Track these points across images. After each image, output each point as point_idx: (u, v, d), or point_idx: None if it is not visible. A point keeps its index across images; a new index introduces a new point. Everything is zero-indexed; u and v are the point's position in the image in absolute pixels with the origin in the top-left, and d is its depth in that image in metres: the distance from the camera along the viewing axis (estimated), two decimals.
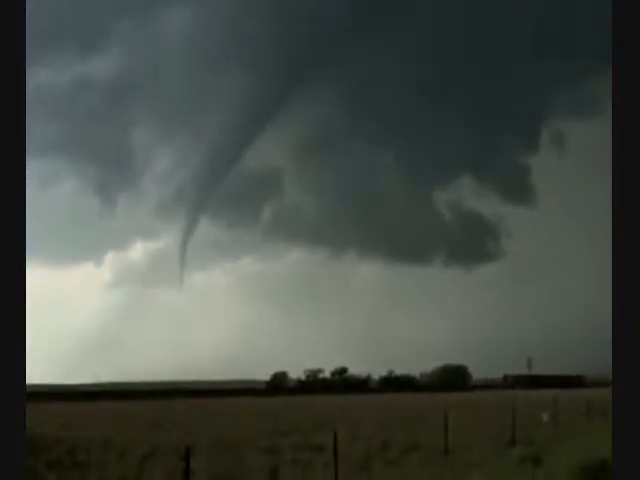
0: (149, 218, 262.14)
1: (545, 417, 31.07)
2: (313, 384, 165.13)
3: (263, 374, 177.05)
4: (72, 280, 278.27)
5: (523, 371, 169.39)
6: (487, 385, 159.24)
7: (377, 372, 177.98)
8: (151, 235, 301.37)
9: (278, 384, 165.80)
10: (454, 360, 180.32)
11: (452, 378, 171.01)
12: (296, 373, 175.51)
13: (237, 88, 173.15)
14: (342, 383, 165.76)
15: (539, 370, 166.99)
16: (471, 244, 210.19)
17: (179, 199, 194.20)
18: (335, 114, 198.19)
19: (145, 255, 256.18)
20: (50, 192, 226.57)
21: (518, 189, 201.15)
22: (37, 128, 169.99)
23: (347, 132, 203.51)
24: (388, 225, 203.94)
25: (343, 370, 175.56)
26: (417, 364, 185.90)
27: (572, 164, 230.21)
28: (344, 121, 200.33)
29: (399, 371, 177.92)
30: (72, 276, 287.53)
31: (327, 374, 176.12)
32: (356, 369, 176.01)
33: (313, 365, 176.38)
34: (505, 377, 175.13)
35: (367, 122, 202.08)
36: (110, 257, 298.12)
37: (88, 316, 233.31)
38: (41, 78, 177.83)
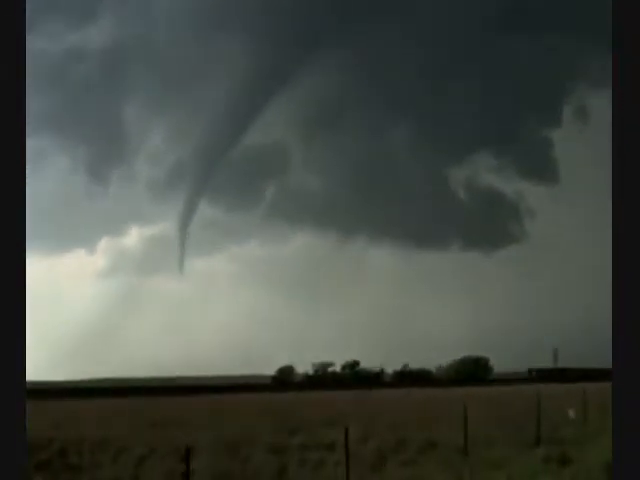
0: (144, 200, 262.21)
1: (572, 413, 31.04)
2: (322, 378, 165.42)
3: (269, 368, 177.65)
4: (63, 269, 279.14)
5: (549, 364, 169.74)
6: (510, 379, 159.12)
7: (391, 365, 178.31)
8: (147, 219, 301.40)
9: (285, 379, 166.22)
10: (473, 352, 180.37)
11: (471, 371, 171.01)
12: (304, 367, 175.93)
13: (237, 59, 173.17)
14: (353, 377, 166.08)
15: (566, 363, 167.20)
16: (490, 226, 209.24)
17: (176, 179, 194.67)
18: (343, 87, 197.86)
19: (141, 241, 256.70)
20: (37, 172, 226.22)
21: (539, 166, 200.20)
22: None
23: (355, 106, 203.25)
24: (401, 206, 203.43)
25: (355, 363, 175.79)
26: (434, 357, 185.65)
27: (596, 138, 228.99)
28: (352, 94, 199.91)
29: (414, 364, 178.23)
30: (63, 264, 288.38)
31: (337, 368, 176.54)
32: (368, 362, 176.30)
33: (322, 358, 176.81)
34: (529, 370, 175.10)
35: (377, 95, 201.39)
36: (104, 243, 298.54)
37: (80, 308, 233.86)
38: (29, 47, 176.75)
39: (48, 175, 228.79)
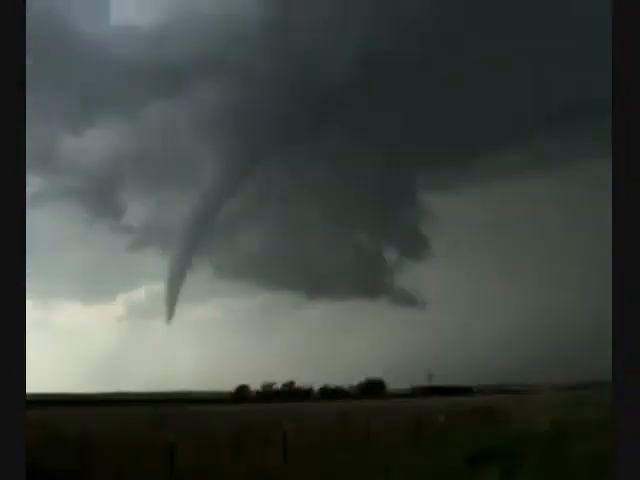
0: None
1: (442, 418, 31.33)
2: (268, 394, 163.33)
3: (229, 386, 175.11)
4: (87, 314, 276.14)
5: (425, 383, 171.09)
6: (399, 394, 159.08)
7: (317, 384, 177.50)
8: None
9: (241, 395, 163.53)
10: (374, 374, 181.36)
11: (372, 389, 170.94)
12: (255, 385, 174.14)
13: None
14: (289, 393, 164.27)
15: (438, 382, 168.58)
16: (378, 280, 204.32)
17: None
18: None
19: (147, 294, 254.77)
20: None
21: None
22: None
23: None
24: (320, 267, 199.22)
25: (291, 383, 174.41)
26: (346, 378, 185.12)
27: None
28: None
29: (333, 383, 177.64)
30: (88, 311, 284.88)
31: (279, 386, 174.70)
32: (301, 382, 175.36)
33: (268, 379, 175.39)
34: (412, 388, 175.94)
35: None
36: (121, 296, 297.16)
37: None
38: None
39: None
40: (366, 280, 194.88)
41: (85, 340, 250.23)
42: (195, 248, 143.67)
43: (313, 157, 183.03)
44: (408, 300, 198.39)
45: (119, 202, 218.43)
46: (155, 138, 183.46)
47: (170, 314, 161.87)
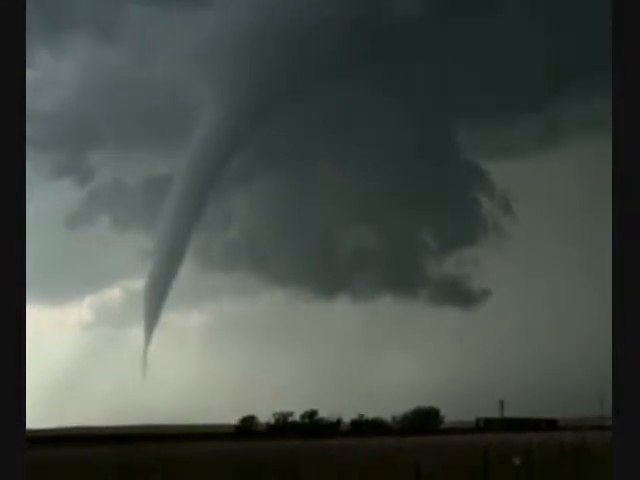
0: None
1: (517, 461, 31.06)
2: (281, 428, 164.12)
3: (231, 418, 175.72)
4: (45, 320, 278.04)
5: (496, 414, 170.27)
6: (459, 428, 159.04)
7: (348, 415, 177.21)
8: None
9: (247, 428, 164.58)
10: (426, 403, 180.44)
11: (424, 421, 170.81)
12: (265, 416, 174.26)
13: None
14: (312, 426, 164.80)
15: (512, 413, 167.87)
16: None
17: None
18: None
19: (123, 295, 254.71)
20: None
21: None
22: None
23: None
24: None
25: (313, 413, 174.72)
26: (389, 407, 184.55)
27: None
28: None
29: (370, 414, 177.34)
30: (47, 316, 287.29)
31: (297, 417, 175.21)
32: (326, 412, 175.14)
33: (282, 407, 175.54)
34: (477, 420, 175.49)
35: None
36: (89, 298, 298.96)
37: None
38: None
39: None
40: (400, 268, 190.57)
41: (37, 354, 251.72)
42: (189, 228, 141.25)
43: (335, 106, 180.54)
44: (459, 295, 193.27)
45: (86, 159, 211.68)
46: (134, 68, 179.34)
47: (151, 323, 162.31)
